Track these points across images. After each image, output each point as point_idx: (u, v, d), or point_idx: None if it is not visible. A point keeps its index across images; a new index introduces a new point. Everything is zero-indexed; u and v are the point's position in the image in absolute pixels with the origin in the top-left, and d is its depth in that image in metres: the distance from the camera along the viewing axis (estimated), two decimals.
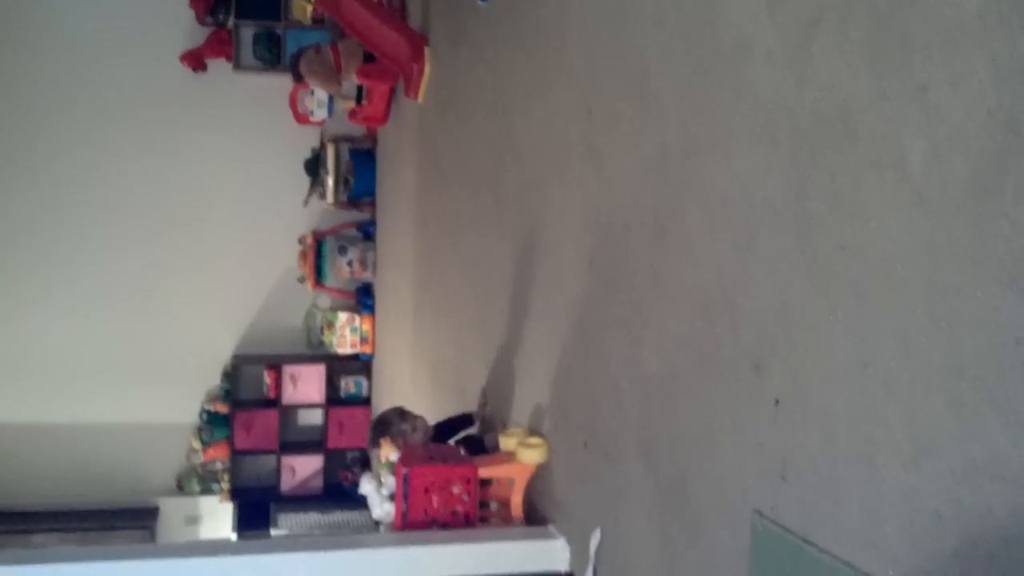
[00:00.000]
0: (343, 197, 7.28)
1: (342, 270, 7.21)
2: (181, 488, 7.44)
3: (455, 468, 3.06)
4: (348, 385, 7.55)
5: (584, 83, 2.85)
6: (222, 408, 7.37)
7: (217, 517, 7.40)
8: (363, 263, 7.19)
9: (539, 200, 3.26)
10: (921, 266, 1.42)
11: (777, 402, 1.78)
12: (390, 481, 3.19)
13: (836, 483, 1.61)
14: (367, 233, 7.32)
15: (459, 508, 3.03)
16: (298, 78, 6.27)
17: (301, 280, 7.36)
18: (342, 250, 7.19)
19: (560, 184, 3.05)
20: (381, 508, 3.21)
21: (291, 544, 3.01)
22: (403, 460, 3.06)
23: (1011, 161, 1.27)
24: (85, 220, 7.17)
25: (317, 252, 7.23)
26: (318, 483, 7.49)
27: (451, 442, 3.57)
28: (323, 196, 7.32)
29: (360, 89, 6.22)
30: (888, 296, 1.49)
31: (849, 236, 1.59)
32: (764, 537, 1.81)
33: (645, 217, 2.39)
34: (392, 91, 6.05)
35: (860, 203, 1.56)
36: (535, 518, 3.11)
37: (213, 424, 7.38)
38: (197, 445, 7.39)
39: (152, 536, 7.07)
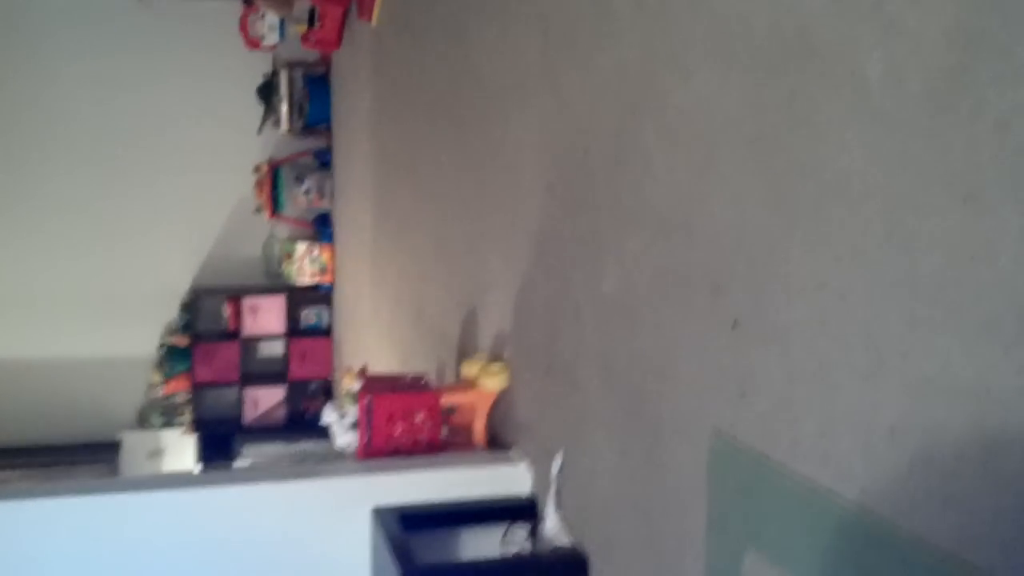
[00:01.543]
0: (298, 124, 7.14)
1: (299, 199, 7.11)
2: (143, 422, 7.41)
3: (418, 396, 3.07)
4: (309, 316, 7.52)
5: (541, 0, 2.79)
6: (181, 341, 7.31)
7: (180, 450, 7.39)
8: (321, 192, 7.10)
9: (498, 123, 3.22)
10: (878, 183, 1.42)
11: (736, 323, 1.79)
12: (352, 411, 3.19)
13: (794, 401, 1.62)
14: (324, 161, 7.20)
15: (422, 436, 3.04)
16: (248, 1, 6.12)
17: (258, 210, 7.26)
18: (299, 179, 7.09)
19: (518, 106, 3.00)
20: (344, 437, 3.21)
21: (254, 475, 3.00)
22: (366, 389, 3.06)
23: (968, 77, 1.25)
24: (33, 152, 6.99)
25: (273, 181, 7.12)
26: (281, 414, 7.50)
27: None
28: (277, 124, 7.17)
29: (312, 12, 6.08)
30: (845, 214, 1.49)
31: (807, 153, 1.58)
32: (723, 454, 1.83)
33: (603, 138, 2.37)
34: (345, 13, 5.92)
35: (817, 120, 1.55)
36: (498, 444, 3.13)
37: (173, 357, 7.33)
38: (157, 379, 7.34)
39: (115, 470, 7.06)
